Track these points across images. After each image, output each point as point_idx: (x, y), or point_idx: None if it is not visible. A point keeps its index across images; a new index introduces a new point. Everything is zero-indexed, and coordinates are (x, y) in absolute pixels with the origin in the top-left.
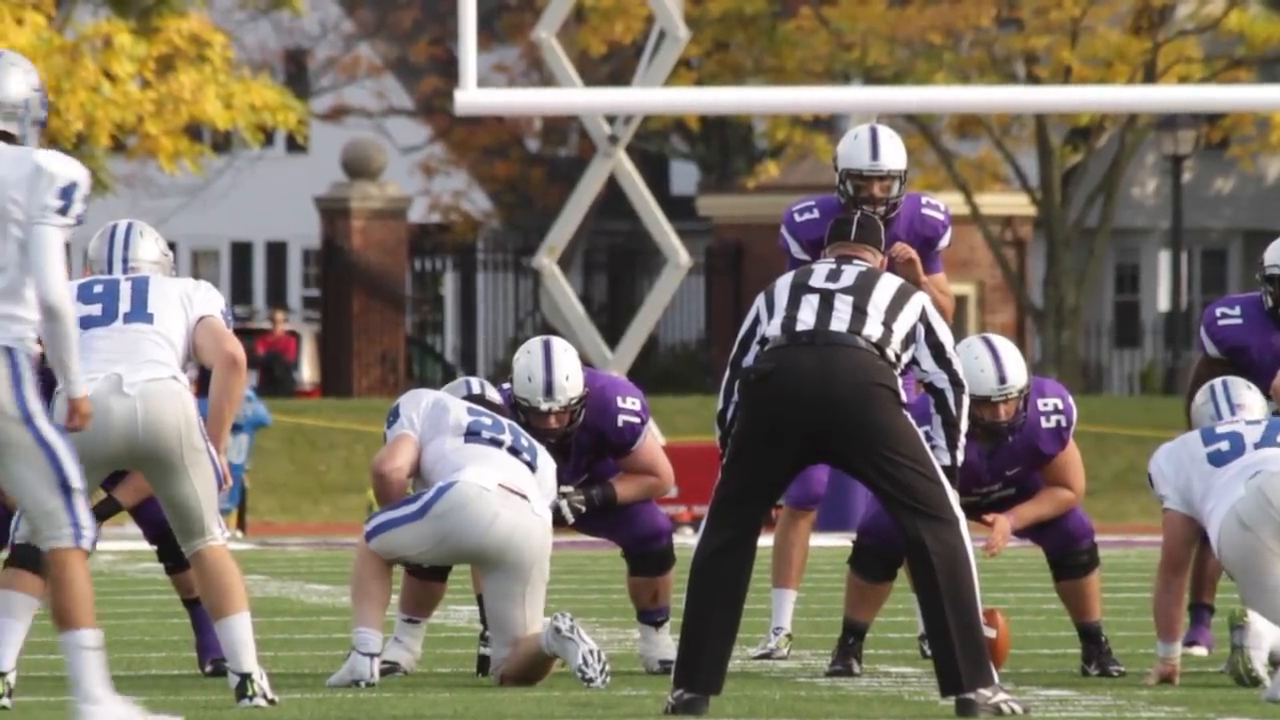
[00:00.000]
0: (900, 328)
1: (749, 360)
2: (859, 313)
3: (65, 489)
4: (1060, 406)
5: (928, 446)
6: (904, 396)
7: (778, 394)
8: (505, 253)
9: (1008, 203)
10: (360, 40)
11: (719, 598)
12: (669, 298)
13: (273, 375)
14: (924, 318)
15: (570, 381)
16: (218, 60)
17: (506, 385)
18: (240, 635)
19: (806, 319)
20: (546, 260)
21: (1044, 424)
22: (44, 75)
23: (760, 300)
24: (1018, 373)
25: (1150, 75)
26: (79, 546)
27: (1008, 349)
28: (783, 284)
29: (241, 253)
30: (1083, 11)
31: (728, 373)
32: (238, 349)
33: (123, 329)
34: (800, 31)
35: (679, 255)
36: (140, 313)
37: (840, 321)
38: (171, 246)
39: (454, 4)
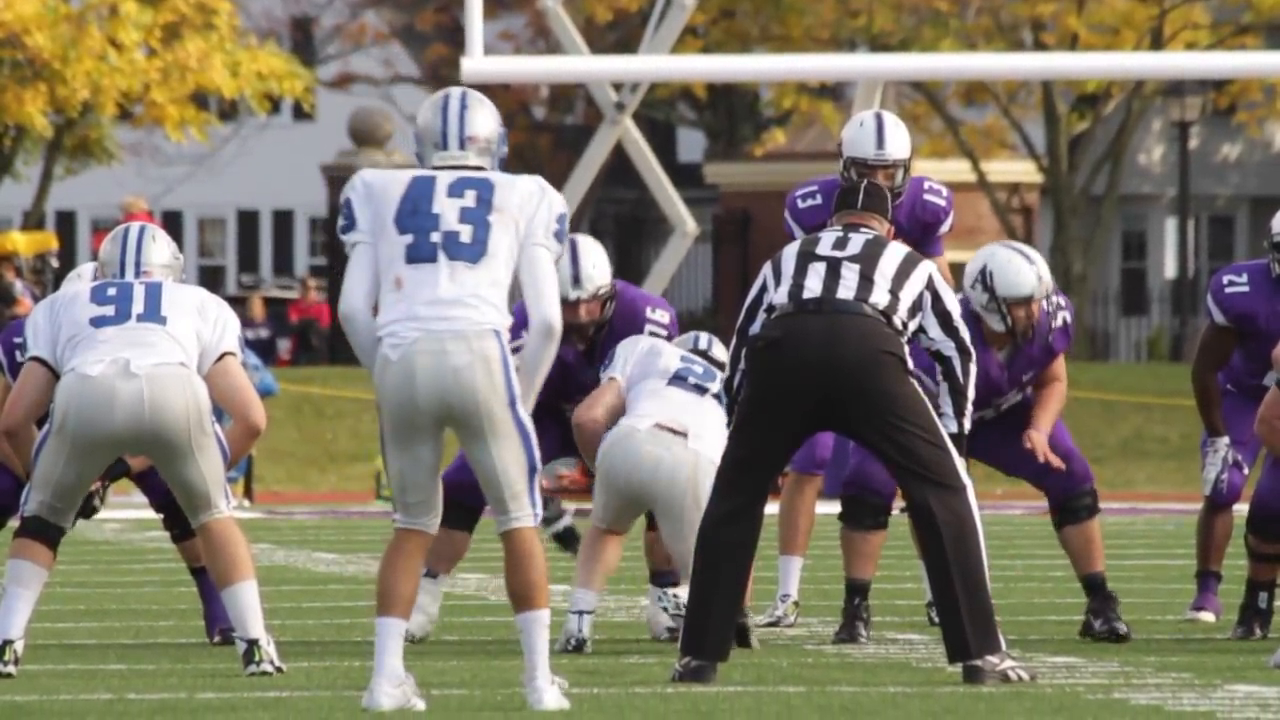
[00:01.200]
0: (907, 296)
1: (756, 328)
2: (866, 280)
3: (532, 472)
4: (1062, 303)
5: (935, 414)
6: (910, 364)
7: (785, 361)
8: None
9: (1014, 170)
10: (366, 8)
11: (726, 565)
12: (676, 265)
13: (307, 343)
14: (930, 285)
15: (597, 270)
16: (224, 28)
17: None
18: (247, 601)
19: (814, 286)
20: None
21: (1053, 324)
22: (49, 43)
23: (767, 268)
24: (1044, 270)
25: (1157, 41)
26: (536, 526)
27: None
28: (789, 252)
29: (248, 221)
30: None
31: (734, 340)
32: (261, 419)
33: (134, 326)
34: None
35: (686, 223)
36: (154, 314)
37: (847, 289)
38: (178, 215)
39: None
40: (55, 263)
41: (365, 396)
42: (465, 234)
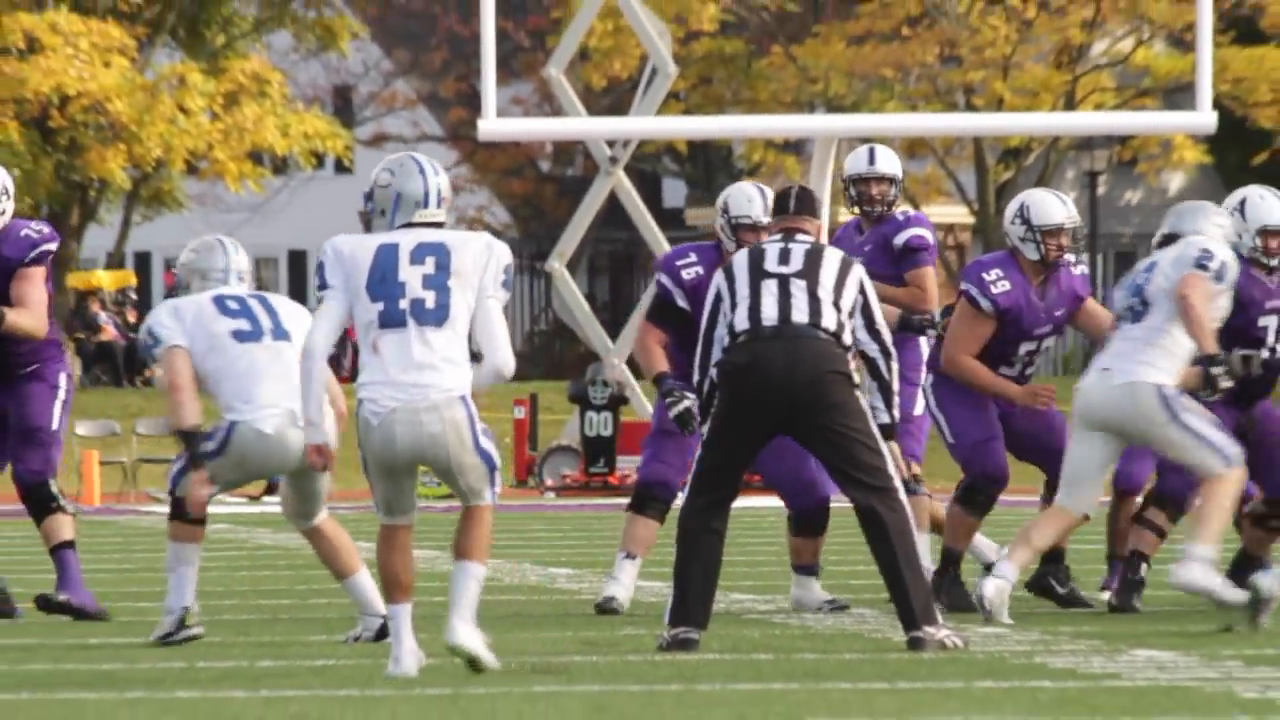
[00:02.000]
0: (846, 304)
1: (719, 338)
2: (814, 300)
3: (492, 472)
4: (1077, 260)
5: (874, 422)
6: (855, 378)
7: (752, 382)
8: (522, 258)
9: (950, 212)
10: (397, 77)
11: (705, 549)
12: None
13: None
14: (862, 289)
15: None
16: (276, 95)
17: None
18: (367, 584)
19: (770, 312)
20: (557, 264)
21: (1075, 273)
22: (128, 109)
23: (720, 279)
24: (1074, 211)
25: (1070, 103)
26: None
27: (1067, 199)
28: (740, 266)
29: (297, 260)
30: (1013, 49)
31: (700, 347)
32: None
33: (271, 344)
34: (772, 68)
35: None
36: (281, 331)
37: (800, 313)
38: None
39: (477, 45)
40: (134, 295)
41: None
42: (429, 300)
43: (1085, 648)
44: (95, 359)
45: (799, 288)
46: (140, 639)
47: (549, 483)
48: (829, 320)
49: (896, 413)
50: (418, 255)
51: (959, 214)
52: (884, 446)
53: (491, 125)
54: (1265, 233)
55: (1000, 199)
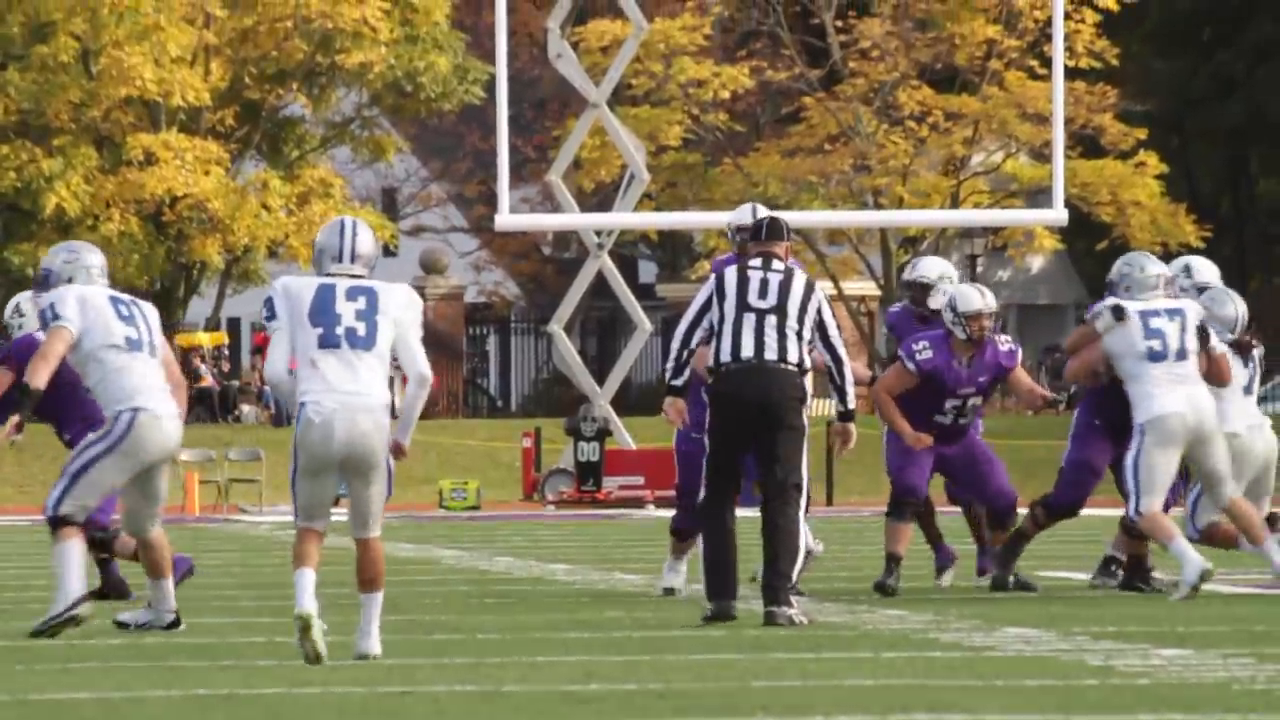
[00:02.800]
0: (808, 329)
1: (702, 327)
2: (783, 337)
3: (387, 497)
4: (1010, 341)
5: (805, 446)
6: (807, 400)
7: (735, 407)
8: (529, 322)
9: (861, 287)
10: (431, 181)
11: (725, 536)
12: (637, 352)
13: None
14: (820, 311)
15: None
16: (337, 195)
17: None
18: (171, 587)
19: (748, 350)
20: (556, 327)
21: (1001, 349)
22: (222, 206)
23: (712, 286)
24: (992, 301)
25: (955, 202)
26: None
27: (987, 291)
28: (730, 287)
29: None
30: (910, 160)
31: (681, 334)
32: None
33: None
34: (723, 174)
35: (644, 324)
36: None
37: (771, 351)
38: None
39: (494, 157)
40: (226, 352)
41: (430, 440)
42: (360, 329)
43: (969, 626)
44: (196, 401)
45: (772, 325)
46: (221, 619)
47: (549, 498)
48: (793, 354)
49: (852, 403)
50: (352, 294)
51: (870, 288)
52: (805, 459)
53: (505, 219)
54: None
55: (900, 276)
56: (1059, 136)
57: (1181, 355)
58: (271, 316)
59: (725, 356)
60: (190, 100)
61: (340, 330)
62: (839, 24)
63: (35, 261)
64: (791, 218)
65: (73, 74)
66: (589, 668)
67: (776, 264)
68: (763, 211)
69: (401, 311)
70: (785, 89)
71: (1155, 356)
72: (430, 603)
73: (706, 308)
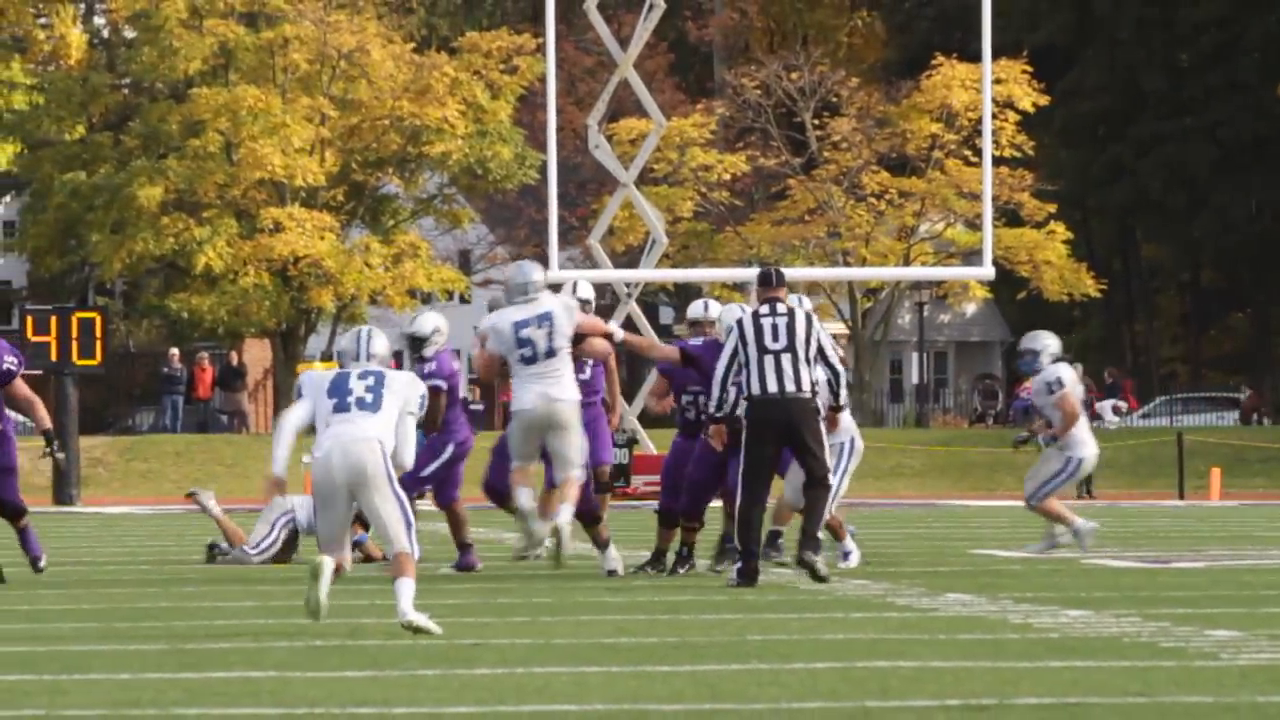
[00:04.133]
0: (813, 354)
1: (733, 372)
2: (797, 371)
3: (407, 522)
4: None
5: (826, 439)
6: (822, 412)
7: (767, 429)
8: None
9: (833, 328)
10: (497, 244)
11: (758, 523)
12: (657, 378)
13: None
14: (820, 338)
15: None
16: (424, 256)
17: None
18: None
19: (772, 386)
20: None
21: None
22: (334, 264)
23: (736, 336)
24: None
25: (907, 261)
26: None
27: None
28: (749, 334)
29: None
30: (871, 229)
31: (722, 374)
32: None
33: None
34: (726, 239)
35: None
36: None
37: (791, 384)
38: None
39: (546, 225)
40: None
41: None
42: (368, 398)
43: (916, 591)
44: None
45: (788, 362)
46: (284, 601)
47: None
48: (806, 382)
49: (843, 403)
50: (363, 376)
51: (840, 329)
52: (828, 454)
53: (554, 274)
54: None
55: (865, 319)
56: (988, 210)
57: None
58: (299, 394)
59: (755, 390)
60: (309, 181)
61: (351, 400)
62: (816, 122)
63: (190, 308)
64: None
65: (218, 161)
66: (620, 625)
67: (780, 307)
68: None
69: (404, 388)
70: (774, 172)
71: None
72: (497, 575)
73: (735, 355)
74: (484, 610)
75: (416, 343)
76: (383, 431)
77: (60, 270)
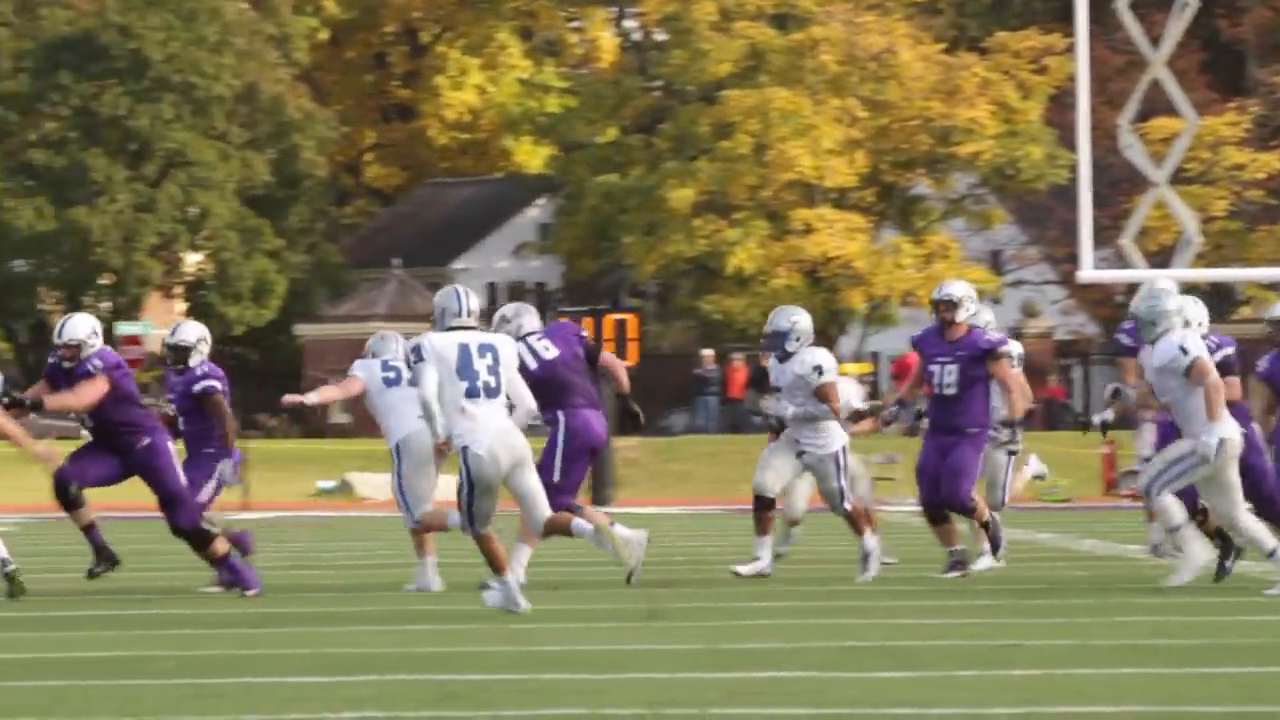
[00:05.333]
0: None
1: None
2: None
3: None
4: (995, 333)
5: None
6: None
7: None
8: (1106, 355)
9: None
10: (1028, 245)
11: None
12: None
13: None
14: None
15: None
16: (954, 256)
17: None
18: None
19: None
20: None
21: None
22: (865, 266)
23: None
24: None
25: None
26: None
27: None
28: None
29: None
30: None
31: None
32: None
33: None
34: (1259, 238)
35: None
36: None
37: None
38: None
39: (1077, 225)
40: (873, 378)
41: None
42: (492, 382)
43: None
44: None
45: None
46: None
47: (1123, 492)
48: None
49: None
50: (482, 351)
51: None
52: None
53: (1087, 274)
54: None
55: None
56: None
57: None
58: (420, 359)
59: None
60: (839, 183)
61: (479, 384)
62: None
63: (722, 309)
64: None
65: (749, 163)
66: (1158, 626)
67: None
68: (948, 281)
69: (509, 356)
70: None
71: None
72: (1028, 577)
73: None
74: (1017, 611)
75: (180, 353)
76: (505, 413)
77: (594, 272)
